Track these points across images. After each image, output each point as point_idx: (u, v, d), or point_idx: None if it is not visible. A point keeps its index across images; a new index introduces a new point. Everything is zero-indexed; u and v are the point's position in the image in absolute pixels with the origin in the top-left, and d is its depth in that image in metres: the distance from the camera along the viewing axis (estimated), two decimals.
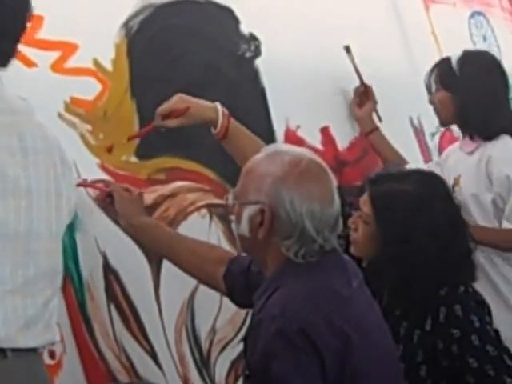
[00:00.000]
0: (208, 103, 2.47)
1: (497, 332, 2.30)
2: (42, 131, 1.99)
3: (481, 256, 2.88)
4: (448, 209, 2.35)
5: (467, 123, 3.08)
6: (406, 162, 3.33)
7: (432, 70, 3.13)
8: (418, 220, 2.28)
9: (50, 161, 1.98)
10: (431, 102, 3.15)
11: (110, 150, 2.53)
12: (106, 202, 2.46)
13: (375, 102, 3.38)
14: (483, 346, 2.22)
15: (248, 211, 1.97)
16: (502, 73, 3.15)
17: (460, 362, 2.22)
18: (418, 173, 2.45)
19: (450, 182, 3.09)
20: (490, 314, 2.34)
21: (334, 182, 2.01)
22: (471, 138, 3.07)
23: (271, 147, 2.07)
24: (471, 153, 3.07)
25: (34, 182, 1.93)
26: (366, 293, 2.07)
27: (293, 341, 1.83)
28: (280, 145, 2.09)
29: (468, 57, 3.12)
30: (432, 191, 2.36)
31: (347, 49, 3.34)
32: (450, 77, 3.08)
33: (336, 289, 1.95)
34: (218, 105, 2.46)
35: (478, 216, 3.01)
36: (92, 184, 2.45)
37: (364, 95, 3.37)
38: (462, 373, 2.23)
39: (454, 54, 3.13)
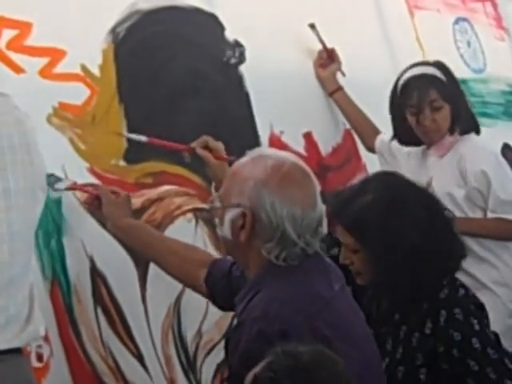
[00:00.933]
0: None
1: (496, 335, 2.31)
2: (20, 127, 2.00)
3: None
4: (418, 201, 2.30)
5: (458, 125, 3.13)
6: (371, 122, 3.37)
7: (422, 92, 3.08)
8: (395, 221, 2.24)
9: (28, 158, 2.00)
10: (423, 122, 3.09)
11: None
12: (94, 205, 2.48)
13: (339, 63, 3.39)
14: (484, 349, 2.22)
15: (230, 214, 1.98)
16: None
17: (461, 366, 2.22)
18: (374, 178, 2.40)
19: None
20: (487, 317, 2.34)
21: (317, 187, 2.02)
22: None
23: (256, 151, 2.08)
24: (442, 156, 3.13)
25: (13, 182, 1.95)
26: (348, 296, 2.08)
27: (274, 342, 1.81)
28: (264, 149, 2.09)
29: (443, 67, 3.16)
30: (395, 187, 2.31)
31: (312, 26, 3.37)
32: (446, 88, 3.10)
33: (318, 291, 1.96)
34: None
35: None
36: (81, 187, 2.47)
37: (328, 59, 3.39)
38: (462, 376, 2.23)
39: (413, 71, 3.12)
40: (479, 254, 3.07)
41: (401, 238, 2.24)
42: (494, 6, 4.61)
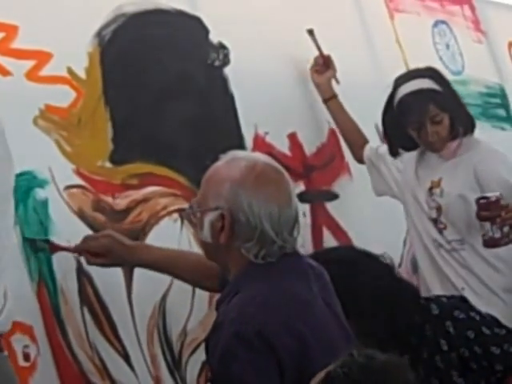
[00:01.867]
0: None
1: (490, 315, 2.44)
2: None
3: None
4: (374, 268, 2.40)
5: (460, 128, 3.15)
6: (361, 133, 3.41)
7: (422, 109, 3.08)
8: (362, 290, 2.32)
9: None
10: (425, 137, 3.11)
11: None
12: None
13: (335, 70, 3.42)
14: (492, 331, 2.35)
15: (209, 217, 2.00)
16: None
17: (486, 358, 2.34)
18: (332, 251, 2.50)
19: (426, 184, 3.18)
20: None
21: (291, 184, 2.05)
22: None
23: (228, 155, 2.09)
24: (450, 158, 3.15)
25: None
26: (328, 297, 2.08)
27: (250, 343, 1.87)
28: (236, 152, 2.11)
29: (437, 75, 3.19)
30: (352, 262, 2.38)
31: (310, 32, 3.41)
32: (444, 99, 3.11)
33: (295, 292, 1.98)
34: None
35: (462, 215, 3.10)
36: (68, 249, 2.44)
37: (324, 65, 3.42)
38: (490, 365, 2.34)
39: (409, 87, 3.12)
40: (491, 262, 3.10)
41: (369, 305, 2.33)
42: (472, 9, 4.65)
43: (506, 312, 2.98)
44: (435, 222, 3.17)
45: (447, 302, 2.40)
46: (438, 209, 3.16)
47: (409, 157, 3.26)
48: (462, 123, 3.16)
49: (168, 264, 2.44)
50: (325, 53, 3.44)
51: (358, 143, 3.44)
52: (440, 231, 3.16)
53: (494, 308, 2.47)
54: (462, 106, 3.23)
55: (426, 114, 3.07)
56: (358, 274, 2.35)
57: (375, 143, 3.50)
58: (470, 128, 3.20)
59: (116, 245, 2.41)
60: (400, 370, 1.62)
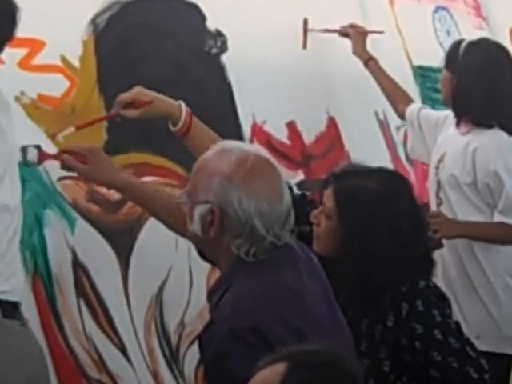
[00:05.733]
0: (170, 99, 2.46)
1: (457, 324, 2.34)
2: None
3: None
4: (410, 209, 2.35)
5: (458, 106, 3.14)
6: (403, 91, 3.48)
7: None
8: (379, 218, 2.28)
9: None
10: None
11: (53, 136, 2.47)
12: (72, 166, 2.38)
13: (366, 35, 3.52)
14: (445, 339, 2.25)
15: (199, 210, 1.97)
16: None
17: (424, 357, 2.25)
18: (384, 171, 2.45)
19: (436, 157, 3.18)
20: (449, 306, 2.37)
21: (282, 178, 2.02)
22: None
23: (219, 145, 2.06)
24: (464, 134, 3.12)
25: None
26: (319, 285, 2.06)
27: (245, 339, 1.85)
28: (227, 142, 2.07)
29: (476, 44, 3.19)
30: (395, 191, 2.36)
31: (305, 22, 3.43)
32: (453, 58, 3.17)
33: (287, 284, 1.96)
34: (182, 102, 2.46)
35: (452, 196, 3.09)
36: (52, 155, 2.40)
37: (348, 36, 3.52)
38: (425, 367, 2.26)
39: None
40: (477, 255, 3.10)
41: (375, 233, 2.28)
42: None
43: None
44: (436, 195, 3.17)
45: (422, 287, 2.33)
46: (438, 183, 3.17)
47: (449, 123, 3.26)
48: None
49: (145, 194, 2.38)
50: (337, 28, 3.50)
51: (401, 100, 3.48)
52: (437, 206, 3.17)
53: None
54: None
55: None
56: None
57: (375, 130, 3.48)
58: (469, 117, 3.14)
59: (101, 154, 2.38)
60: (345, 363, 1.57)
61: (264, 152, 2.05)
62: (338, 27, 3.55)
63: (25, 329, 2.17)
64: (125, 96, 2.41)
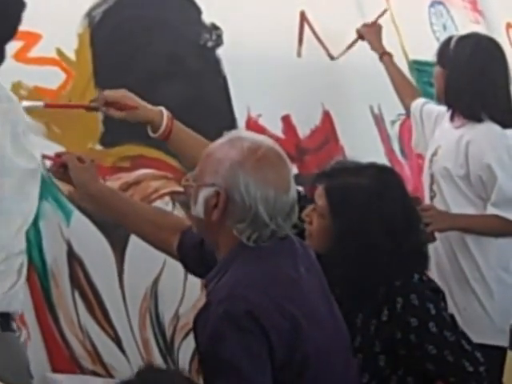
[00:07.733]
0: (153, 107, 2.45)
1: (452, 317, 2.34)
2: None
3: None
4: (402, 204, 2.35)
5: (448, 98, 3.16)
6: (412, 85, 3.58)
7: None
8: (372, 214, 2.29)
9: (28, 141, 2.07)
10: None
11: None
12: (60, 172, 2.42)
13: (380, 27, 3.61)
14: (441, 332, 2.25)
15: (204, 193, 2.00)
16: (503, 62, 3.18)
17: (419, 350, 2.26)
18: (374, 167, 2.44)
19: (430, 150, 3.20)
20: (444, 299, 2.38)
21: (292, 172, 2.04)
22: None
23: (233, 133, 2.09)
24: (458, 127, 3.13)
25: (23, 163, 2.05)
26: (316, 279, 2.09)
27: (240, 323, 1.86)
28: (242, 131, 2.10)
29: (466, 37, 3.21)
30: (387, 186, 2.36)
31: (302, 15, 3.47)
32: (444, 53, 3.19)
33: (285, 272, 1.98)
34: (163, 109, 2.45)
35: (445, 188, 3.11)
36: (44, 155, 2.42)
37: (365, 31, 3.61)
38: (421, 360, 2.26)
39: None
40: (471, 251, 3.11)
41: (369, 230, 2.29)
42: None
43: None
44: (430, 188, 3.18)
45: (416, 281, 2.34)
46: (432, 176, 3.17)
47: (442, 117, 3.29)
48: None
49: (126, 205, 2.41)
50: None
51: (408, 95, 3.52)
52: (431, 198, 3.18)
53: None
54: None
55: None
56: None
57: (369, 123, 3.49)
58: (461, 110, 3.16)
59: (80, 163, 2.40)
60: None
61: (277, 146, 2.06)
62: (338, 26, 3.57)
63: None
64: (109, 95, 2.42)
